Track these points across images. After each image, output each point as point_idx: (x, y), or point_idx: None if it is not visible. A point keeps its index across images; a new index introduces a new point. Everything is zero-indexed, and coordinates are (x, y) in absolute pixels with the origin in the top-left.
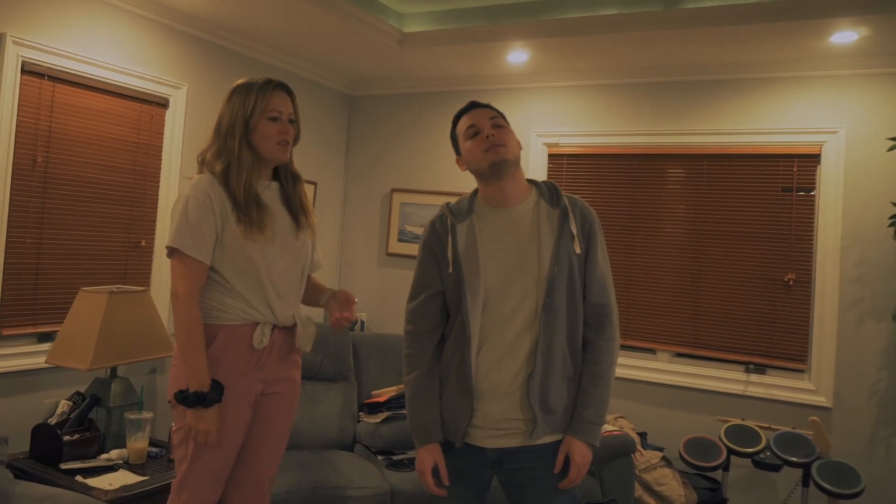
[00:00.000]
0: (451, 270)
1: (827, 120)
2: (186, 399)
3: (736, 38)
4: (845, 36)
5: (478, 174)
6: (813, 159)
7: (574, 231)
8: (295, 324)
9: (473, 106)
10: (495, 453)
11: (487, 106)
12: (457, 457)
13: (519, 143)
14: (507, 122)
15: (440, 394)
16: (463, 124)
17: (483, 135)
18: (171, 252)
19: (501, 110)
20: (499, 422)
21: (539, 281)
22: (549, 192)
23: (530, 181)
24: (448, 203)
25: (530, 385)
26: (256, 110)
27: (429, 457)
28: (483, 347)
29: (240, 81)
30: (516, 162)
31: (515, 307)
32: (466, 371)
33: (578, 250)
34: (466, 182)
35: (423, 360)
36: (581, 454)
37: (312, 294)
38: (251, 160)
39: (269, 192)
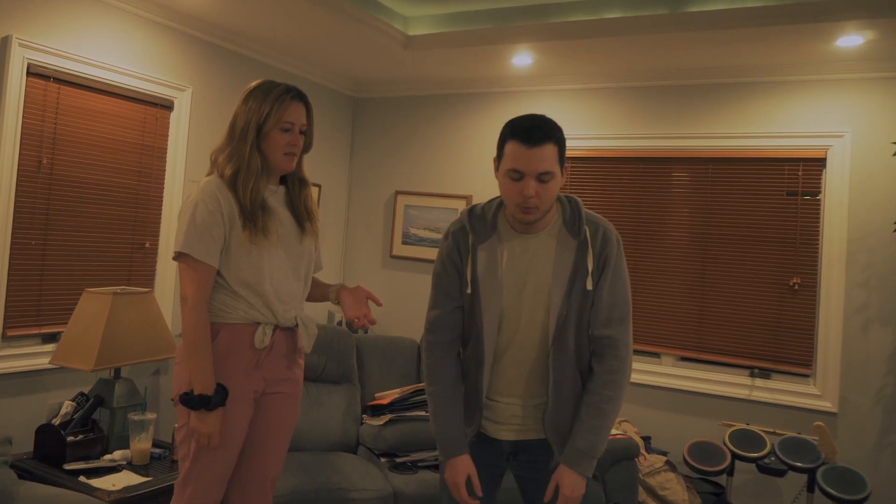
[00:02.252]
0: (469, 291)
1: (832, 124)
2: (190, 401)
3: (741, 41)
4: (851, 40)
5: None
6: (818, 163)
7: (590, 266)
8: (297, 325)
9: (533, 140)
10: (510, 445)
11: (552, 138)
12: (472, 446)
13: (565, 175)
14: (559, 165)
15: None
16: (510, 156)
17: (523, 190)
18: (179, 256)
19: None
20: (514, 417)
21: (550, 316)
22: (571, 216)
23: (557, 199)
24: (471, 211)
25: (545, 420)
26: (271, 119)
27: (462, 469)
28: (496, 368)
29: (258, 83)
30: (549, 210)
31: (526, 337)
32: (479, 390)
33: (590, 286)
34: (471, 185)
35: (446, 371)
36: (570, 487)
37: (317, 291)
38: (260, 166)
39: (276, 197)
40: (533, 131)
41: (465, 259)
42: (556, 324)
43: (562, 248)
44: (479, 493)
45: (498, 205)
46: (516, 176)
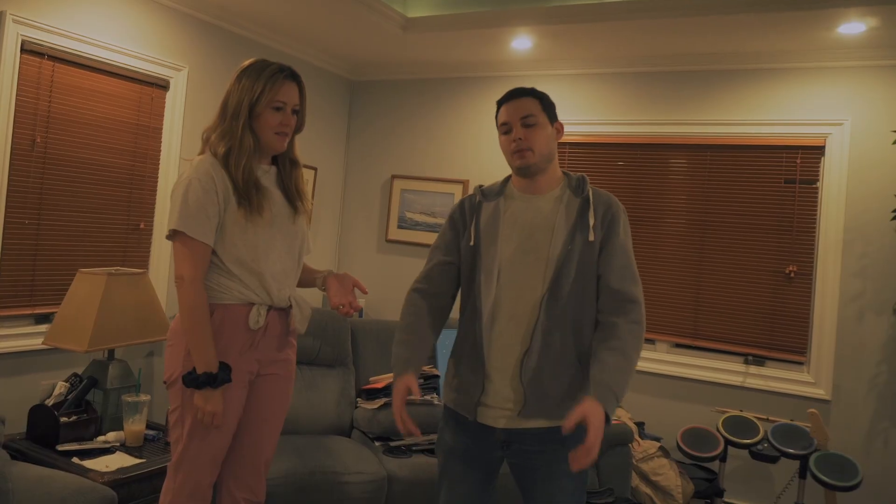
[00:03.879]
0: (471, 243)
1: (832, 112)
2: (196, 380)
3: (742, 27)
4: (853, 27)
5: (509, 166)
6: (817, 151)
7: (591, 221)
8: (290, 305)
9: (513, 95)
10: (503, 433)
11: (530, 94)
12: (467, 436)
13: (558, 133)
14: (545, 115)
15: (454, 373)
16: (500, 117)
17: (512, 136)
18: (174, 235)
19: None
20: (506, 401)
21: (548, 265)
22: (576, 183)
23: (564, 173)
24: (481, 185)
25: (524, 363)
26: (263, 98)
27: (402, 387)
28: (494, 325)
29: (251, 62)
30: (547, 160)
31: (524, 288)
32: (478, 344)
33: (591, 238)
34: (467, 170)
35: (420, 310)
36: (598, 417)
37: (305, 275)
38: (252, 145)
39: (268, 177)
40: (512, 91)
41: (471, 216)
42: (554, 268)
43: (565, 206)
44: (419, 397)
45: (507, 178)
46: (505, 128)
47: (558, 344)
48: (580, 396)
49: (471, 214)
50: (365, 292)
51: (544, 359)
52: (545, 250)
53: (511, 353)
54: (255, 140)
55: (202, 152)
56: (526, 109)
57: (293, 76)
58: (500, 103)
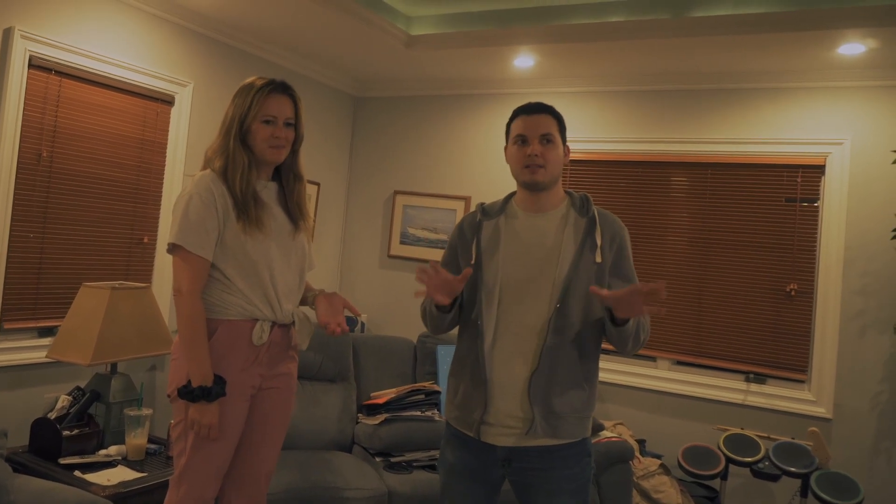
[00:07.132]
0: (472, 262)
1: (832, 131)
2: (191, 394)
3: (743, 47)
4: (853, 48)
5: (515, 178)
6: (817, 170)
7: (598, 241)
8: (293, 321)
9: (535, 110)
10: (505, 451)
11: (550, 112)
12: (469, 454)
13: (567, 154)
14: (560, 134)
15: (455, 391)
16: (516, 127)
17: (527, 150)
18: (173, 248)
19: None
20: (508, 419)
21: (555, 284)
22: (580, 202)
23: (567, 192)
24: (483, 203)
25: (532, 383)
26: (251, 112)
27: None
28: (496, 343)
29: (246, 81)
30: (555, 180)
31: (529, 307)
32: (479, 363)
33: (599, 259)
34: (470, 186)
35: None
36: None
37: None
38: (247, 160)
39: (267, 192)
40: (533, 104)
41: (471, 238)
42: (561, 288)
43: (570, 224)
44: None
45: (510, 194)
46: (520, 140)
47: (567, 363)
48: (586, 414)
49: (471, 233)
50: (357, 314)
51: (554, 378)
52: (551, 270)
53: (515, 372)
54: (250, 154)
55: (203, 169)
56: (546, 127)
57: (283, 89)
58: (518, 113)
